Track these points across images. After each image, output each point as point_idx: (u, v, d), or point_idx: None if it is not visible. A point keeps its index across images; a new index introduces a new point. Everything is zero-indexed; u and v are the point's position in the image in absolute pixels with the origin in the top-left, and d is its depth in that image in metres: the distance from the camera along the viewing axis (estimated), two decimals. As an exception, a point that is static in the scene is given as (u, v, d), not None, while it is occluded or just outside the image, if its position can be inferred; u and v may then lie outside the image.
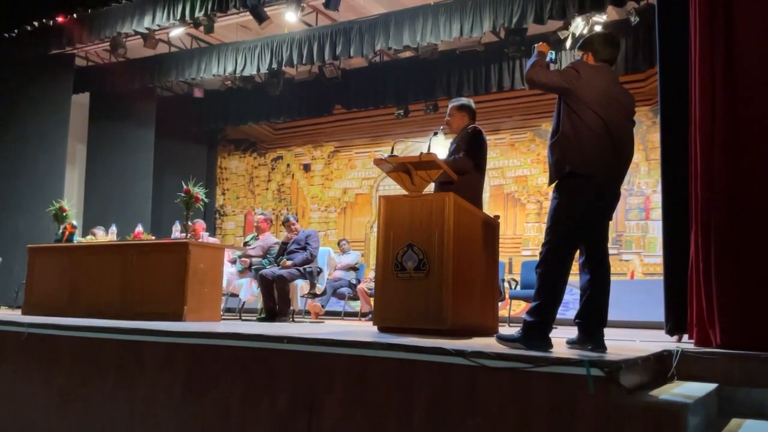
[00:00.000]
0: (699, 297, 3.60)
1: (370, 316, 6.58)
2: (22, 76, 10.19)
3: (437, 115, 9.94)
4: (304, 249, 6.89)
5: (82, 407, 3.83)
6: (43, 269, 6.26)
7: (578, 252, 3.28)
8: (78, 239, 6.57)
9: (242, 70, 9.69)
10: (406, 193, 4.01)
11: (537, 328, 3.00)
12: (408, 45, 8.59)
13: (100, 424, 3.71)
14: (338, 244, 9.35)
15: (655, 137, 7.54)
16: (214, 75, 10.09)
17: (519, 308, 8.37)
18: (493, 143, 9.93)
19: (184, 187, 5.83)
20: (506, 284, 7.44)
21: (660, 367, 3.07)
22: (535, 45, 3.38)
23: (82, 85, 11.01)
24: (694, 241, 3.70)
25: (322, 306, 7.89)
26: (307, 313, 8.13)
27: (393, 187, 8.41)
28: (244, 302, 7.53)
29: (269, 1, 8.55)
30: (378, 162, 4.08)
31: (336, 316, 8.78)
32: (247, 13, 8.74)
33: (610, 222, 3.37)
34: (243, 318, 7.32)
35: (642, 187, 9.39)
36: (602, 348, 3.09)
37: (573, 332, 3.32)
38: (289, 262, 6.76)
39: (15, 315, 5.89)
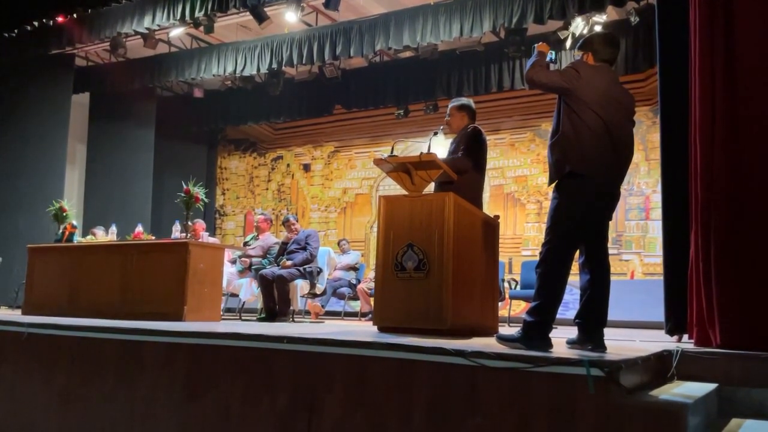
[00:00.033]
0: (699, 297, 3.60)
1: (370, 316, 6.58)
2: (22, 76, 10.20)
3: (437, 115, 9.94)
4: (304, 249, 6.89)
5: (82, 407, 3.83)
6: (43, 269, 6.26)
7: (578, 252, 3.28)
8: (78, 239, 6.57)
9: (242, 70, 9.70)
10: (406, 193, 4.01)
11: (537, 328, 3.00)
12: (408, 45, 8.60)
13: (100, 424, 3.71)
14: (338, 244, 9.35)
15: (655, 137, 7.54)
16: (214, 75, 10.09)
17: (519, 308, 8.37)
18: (493, 143, 9.93)
19: (184, 187, 5.83)
20: (506, 284, 7.44)
21: (660, 367, 3.07)
22: (535, 45, 3.38)
23: (82, 85, 11.02)
24: (694, 241, 3.70)
25: (322, 306, 7.89)
26: (307, 313, 8.13)
27: (393, 187, 8.41)
28: (244, 302, 7.53)
29: (269, 1, 8.56)
30: (378, 162, 4.08)
31: (336, 316, 8.78)
32: (247, 13, 8.74)
33: (610, 222, 3.37)
34: (243, 318, 7.32)
35: (642, 187, 9.39)
36: (602, 348, 3.09)
37: (573, 332, 3.32)
38: (289, 262, 6.76)
39: (15, 315, 5.89)
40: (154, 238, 6.74)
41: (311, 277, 6.89)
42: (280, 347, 3.17)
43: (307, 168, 12.32)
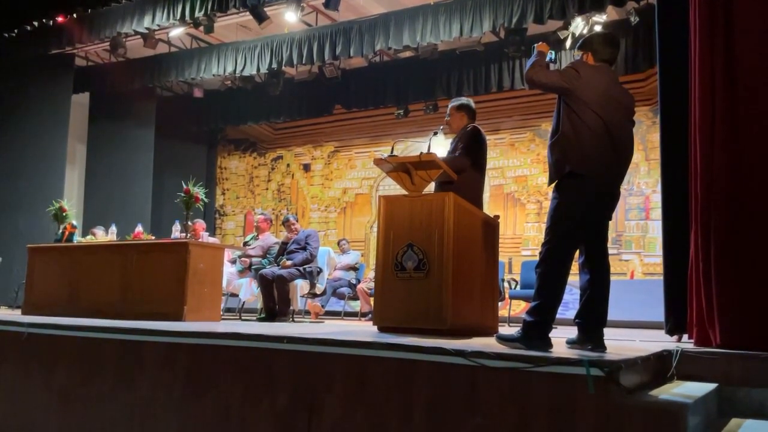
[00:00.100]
0: (699, 297, 3.60)
1: (370, 316, 6.58)
2: (22, 76, 10.20)
3: (437, 115, 9.94)
4: (304, 249, 6.89)
5: (82, 407, 3.83)
6: (43, 269, 6.26)
7: (578, 252, 3.28)
8: (78, 239, 6.57)
9: (242, 70, 9.70)
10: (406, 193, 4.01)
11: (537, 328, 3.01)
12: (408, 45, 8.60)
13: (100, 424, 3.71)
14: (338, 244, 9.35)
15: (655, 137, 7.54)
16: (214, 75, 10.09)
17: (519, 308, 8.37)
18: (493, 143, 9.93)
19: (184, 187, 5.83)
20: (506, 284, 7.44)
21: (660, 367, 3.07)
22: (535, 45, 3.38)
23: (82, 85, 11.01)
24: (694, 241, 3.70)
25: (322, 306, 7.89)
26: (307, 313, 8.13)
27: (393, 187, 8.41)
28: (244, 302, 7.54)
29: (269, 1, 8.56)
30: (378, 162, 4.08)
31: (336, 316, 8.78)
32: (247, 13, 8.74)
33: (610, 222, 3.37)
34: (243, 318, 7.32)
35: (642, 187, 9.39)
36: (602, 348, 3.09)
37: (573, 332, 3.32)
38: (289, 262, 6.76)
39: (15, 315, 5.89)
40: (154, 238, 6.74)
41: (311, 277, 6.89)
42: (280, 347, 3.17)
43: (307, 168, 12.32)
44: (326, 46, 8.92)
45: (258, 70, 9.68)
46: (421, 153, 3.94)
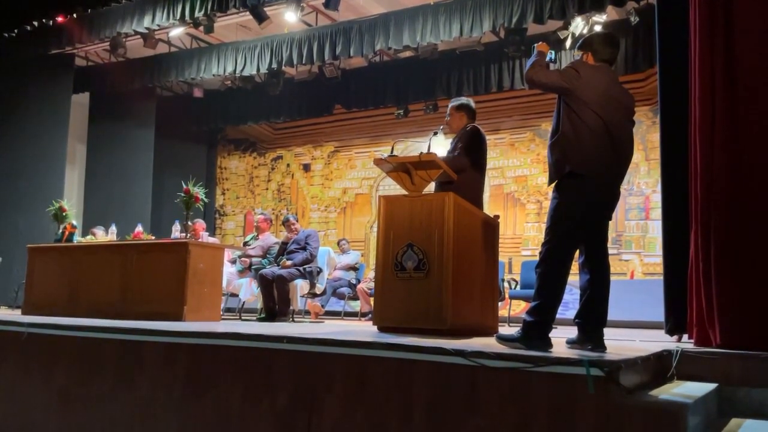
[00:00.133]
0: (699, 297, 3.60)
1: (370, 316, 6.58)
2: (22, 76, 10.19)
3: (437, 115, 9.94)
4: (304, 249, 6.89)
5: (82, 407, 3.83)
6: (43, 269, 6.26)
7: (578, 252, 3.28)
8: (78, 239, 6.57)
9: (242, 70, 9.70)
10: (406, 193, 4.01)
11: (537, 328, 3.01)
12: (408, 45, 8.59)
13: (100, 424, 3.71)
14: (338, 244, 9.35)
15: (655, 137, 7.54)
16: (213, 75, 10.09)
17: (519, 308, 8.37)
18: (493, 143, 9.93)
19: (184, 187, 5.83)
20: (506, 284, 7.44)
21: (660, 367, 3.07)
22: (535, 45, 3.38)
23: (82, 85, 11.01)
24: (694, 241, 3.70)
25: (322, 306, 7.89)
26: (307, 313, 8.13)
27: (393, 187, 8.41)
28: (244, 302, 7.53)
29: (269, 1, 8.55)
30: (378, 162, 4.08)
31: (336, 316, 8.78)
32: (247, 12, 8.74)
33: (610, 222, 3.37)
34: (243, 318, 7.32)
35: (642, 187, 9.39)
36: (602, 348, 3.09)
37: (573, 332, 3.32)
38: (289, 262, 6.76)
39: (15, 315, 5.89)
40: (153, 238, 6.74)
41: (311, 277, 6.89)
42: (280, 347, 3.17)
43: (307, 168, 12.32)
44: (326, 46, 8.92)
45: (258, 70, 9.68)
46: (421, 153, 3.93)
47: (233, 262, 7.63)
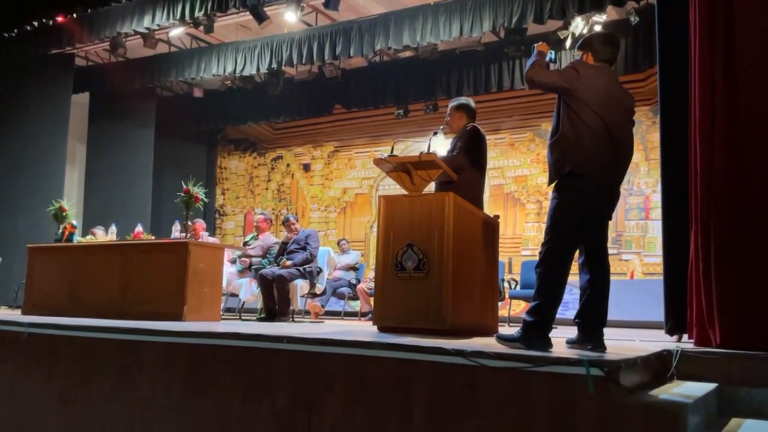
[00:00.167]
0: (699, 297, 3.60)
1: (370, 315, 6.58)
2: (22, 76, 10.20)
3: (437, 115, 9.94)
4: (304, 249, 6.89)
5: (82, 407, 3.83)
6: (43, 269, 6.26)
7: (578, 252, 3.28)
8: (78, 239, 6.57)
9: (242, 70, 9.69)
10: (406, 192, 4.01)
11: (537, 328, 3.01)
12: (408, 45, 8.59)
13: (100, 424, 3.71)
14: (338, 244, 9.35)
15: (655, 137, 7.54)
16: (213, 75, 10.08)
17: (519, 308, 8.37)
18: (493, 143, 9.93)
19: (184, 186, 5.83)
20: (506, 284, 7.44)
21: (660, 367, 3.07)
22: (535, 45, 3.38)
23: (81, 85, 11.01)
24: (694, 241, 3.70)
25: (322, 306, 7.89)
26: (307, 313, 8.13)
27: (393, 187, 8.41)
28: (243, 302, 7.53)
29: (269, 1, 8.55)
30: (378, 162, 4.08)
31: (336, 316, 8.78)
32: (247, 12, 8.74)
33: (610, 222, 3.37)
34: (243, 318, 7.32)
35: (642, 187, 9.39)
36: (602, 348, 3.09)
37: (573, 332, 3.32)
38: (288, 262, 6.76)
39: (15, 315, 5.89)
40: (153, 238, 6.74)
41: (311, 277, 6.89)
42: (280, 347, 3.17)
43: (306, 168, 12.32)
44: (326, 46, 8.92)
45: (258, 70, 9.68)
46: (421, 153, 3.94)
47: (233, 262, 7.63)
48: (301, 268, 6.78)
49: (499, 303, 5.59)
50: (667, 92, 4.39)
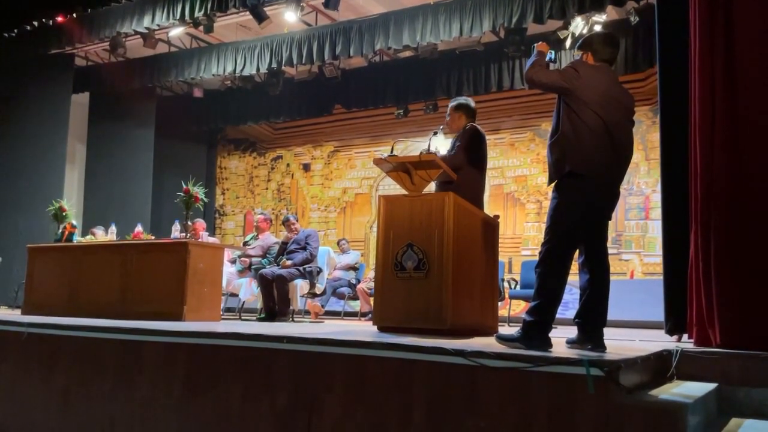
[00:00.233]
0: (699, 297, 3.60)
1: (370, 315, 6.58)
2: (22, 76, 10.20)
3: (437, 115, 9.94)
4: (304, 249, 6.89)
5: (82, 407, 3.83)
6: (43, 269, 6.26)
7: (578, 252, 3.28)
8: (78, 239, 6.57)
9: (242, 70, 9.69)
10: (405, 192, 4.01)
11: (537, 328, 3.01)
12: (408, 45, 8.59)
13: (100, 424, 3.71)
14: (338, 243, 9.36)
15: (655, 137, 7.54)
16: (213, 75, 10.08)
17: (519, 308, 8.37)
18: (492, 143, 9.93)
19: (184, 186, 5.83)
20: (506, 284, 7.44)
21: (660, 367, 3.07)
22: (535, 45, 3.38)
23: (81, 84, 11.01)
24: (694, 241, 3.70)
25: (322, 306, 7.89)
26: (307, 312, 8.13)
27: (393, 187, 8.40)
28: (243, 302, 7.53)
29: (269, 1, 8.56)
30: (378, 162, 4.08)
31: (336, 315, 8.78)
32: (247, 12, 8.74)
33: (610, 222, 3.37)
34: (243, 318, 7.32)
35: (642, 187, 9.39)
36: (602, 347, 3.09)
37: (573, 332, 3.32)
38: (288, 262, 6.76)
39: (15, 315, 5.89)
40: (153, 237, 6.74)
41: (311, 276, 6.89)
42: (280, 347, 3.17)
43: (306, 168, 12.32)
44: (326, 45, 8.92)
45: (258, 69, 9.68)
46: (421, 153, 3.94)
47: (233, 262, 7.63)
48: (301, 268, 6.78)
49: (499, 303, 5.59)
50: (667, 92, 4.39)
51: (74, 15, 9.59)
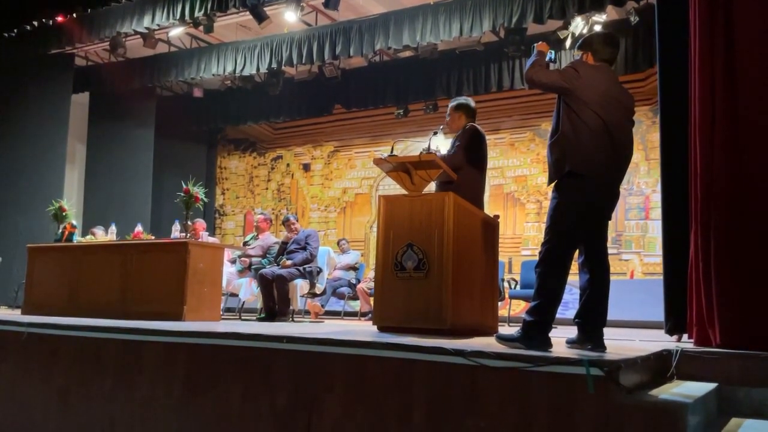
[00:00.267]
0: (699, 297, 3.60)
1: (370, 315, 6.58)
2: (22, 76, 10.20)
3: (437, 115, 9.94)
4: (304, 249, 6.89)
5: (82, 407, 3.83)
6: (43, 269, 6.26)
7: (578, 251, 3.28)
8: (78, 239, 6.57)
9: (242, 70, 9.69)
10: (405, 192, 4.01)
11: (536, 328, 3.01)
12: (408, 45, 8.59)
13: (100, 424, 3.71)
14: (338, 243, 9.36)
15: (655, 137, 7.54)
16: (213, 75, 10.08)
17: (519, 308, 8.37)
18: (492, 143, 9.93)
19: (184, 186, 5.83)
20: (506, 284, 7.44)
21: (660, 367, 3.07)
22: (535, 44, 3.38)
23: (81, 84, 11.01)
24: (694, 241, 3.70)
25: (322, 306, 7.89)
26: (307, 312, 8.13)
27: (393, 187, 8.40)
28: (243, 302, 7.53)
29: (269, 1, 8.56)
30: (378, 161, 4.08)
31: (336, 315, 8.78)
32: (247, 12, 8.74)
33: (610, 222, 3.37)
34: (243, 318, 7.32)
35: (642, 187, 9.39)
36: (602, 347, 3.09)
37: (573, 332, 3.32)
38: (288, 262, 6.76)
39: (15, 315, 5.89)
40: (153, 237, 6.74)
41: (311, 276, 6.89)
42: (280, 347, 3.17)
43: (306, 168, 12.32)
44: (326, 45, 8.92)
45: (258, 69, 9.68)
46: (421, 153, 3.94)
47: (233, 261, 7.63)
48: (301, 268, 6.78)
49: (499, 303, 5.59)
50: (667, 92, 4.39)
51: (74, 15, 9.59)
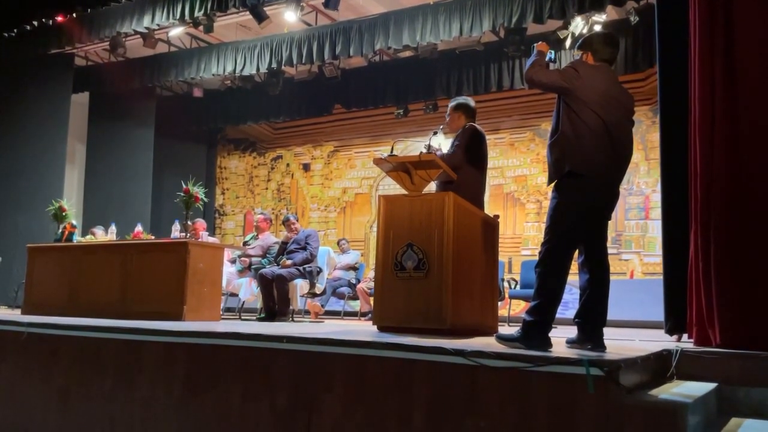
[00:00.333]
0: (699, 297, 3.60)
1: (370, 315, 6.58)
2: (22, 76, 10.20)
3: (437, 115, 9.95)
4: (304, 249, 6.89)
5: (82, 407, 3.83)
6: (43, 269, 6.26)
7: (578, 251, 3.28)
8: (77, 239, 6.57)
9: (242, 70, 9.69)
10: (405, 192, 4.01)
11: (536, 328, 3.01)
12: (408, 45, 8.59)
13: (100, 424, 3.71)
14: (338, 243, 9.36)
15: (655, 137, 7.54)
16: (213, 75, 10.09)
17: (519, 308, 8.37)
18: (492, 143, 9.93)
19: (184, 186, 5.83)
20: (506, 284, 7.44)
21: (660, 367, 3.07)
22: (535, 44, 3.38)
23: (81, 84, 11.01)
24: (693, 240, 3.70)
25: (322, 306, 7.89)
26: (307, 312, 8.13)
27: (393, 187, 8.40)
28: (243, 302, 7.53)
29: (269, 1, 8.56)
30: (378, 161, 4.08)
31: (335, 315, 8.78)
32: (247, 12, 8.74)
33: (610, 221, 3.37)
34: (243, 318, 7.32)
35: (641, 187, 9.39)
36: (602, 347, 3.09)
37: (573, 332, 3.32)
38: (288, 262, 6.76)
39: (15, 315, 5.89)
40: (153, 237, 6.74)
41: (311, 276, 6.89)
42: (280, 347, 3.17)
43: (306, 168, 12.32)
44: (326, 45, 8.92)
45: (258, 69, 9.68)
46: (421, 152, 3.94)
47: (233, 261, 7.63)
48: (300, 268, 6.78)
49: (499, 303, 5.59)
50: (667, 92, 4.39)
51: (74, 15, 9.59)
